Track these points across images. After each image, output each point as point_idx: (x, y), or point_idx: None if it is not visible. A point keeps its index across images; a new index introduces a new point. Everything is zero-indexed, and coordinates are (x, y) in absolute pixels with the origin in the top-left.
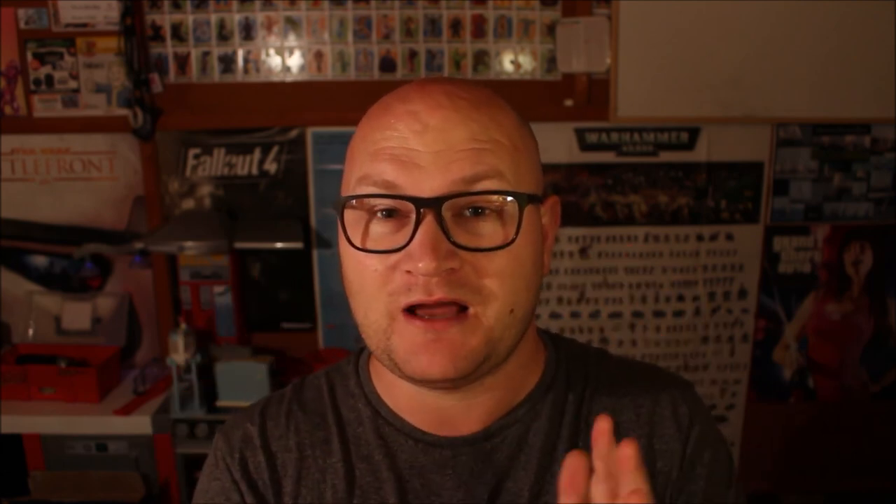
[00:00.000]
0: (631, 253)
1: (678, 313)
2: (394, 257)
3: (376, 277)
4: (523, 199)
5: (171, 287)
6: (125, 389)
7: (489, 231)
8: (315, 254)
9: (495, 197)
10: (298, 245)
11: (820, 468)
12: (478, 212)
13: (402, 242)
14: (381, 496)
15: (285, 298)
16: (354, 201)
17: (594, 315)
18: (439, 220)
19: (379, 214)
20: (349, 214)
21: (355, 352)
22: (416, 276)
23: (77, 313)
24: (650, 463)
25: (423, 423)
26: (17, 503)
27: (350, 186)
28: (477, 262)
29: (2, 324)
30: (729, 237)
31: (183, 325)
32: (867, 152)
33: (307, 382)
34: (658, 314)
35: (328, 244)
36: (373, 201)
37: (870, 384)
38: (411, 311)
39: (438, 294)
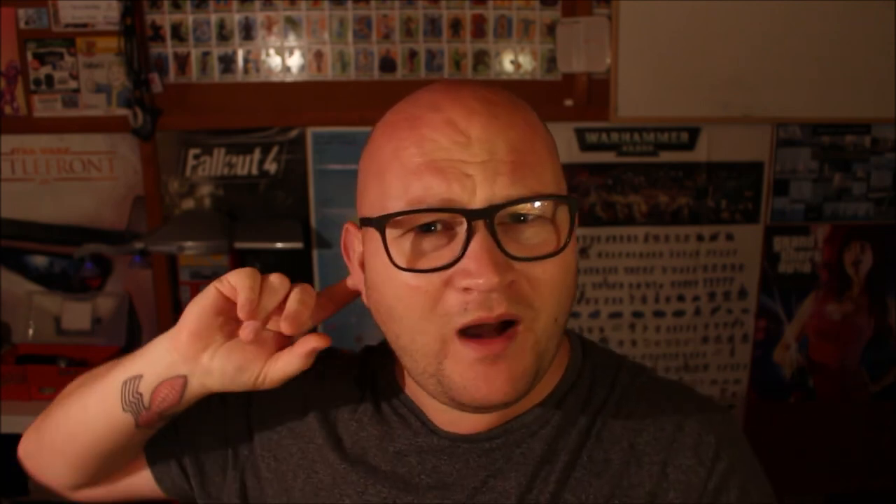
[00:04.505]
0: (631, 253)
1: (678, 313)
2: (444, 275)
3: (426, 299)
4: (574, 203)
5: (171, 287)
6: None
7: (538, 239)
8: (315, 254)
9: (540, 202)
10: (298, 245)
11: (820, 468)
12: (519, 218)
13: (452, 258)
14: (374, 463)
15: None
16: (396, 219)
17: (594, 315)
18: (492, 232)
19: (420, 231)
20: (390, 234)
21: None
22: (471, 292)
23: (77, 313)
24: (663, 491)
25: (434, 417)
26: (18, 503)
27: (383, 205)
28: (529, 271)
29: (2, 324)
30: (729, 237)
31: None
32: (867, 152)
33: (361, 352)
34: (658, 314)
35: (328, 244)
36: (415, 218)
37: (870, 384)
38: (464, 331)
39: (499, 310)
